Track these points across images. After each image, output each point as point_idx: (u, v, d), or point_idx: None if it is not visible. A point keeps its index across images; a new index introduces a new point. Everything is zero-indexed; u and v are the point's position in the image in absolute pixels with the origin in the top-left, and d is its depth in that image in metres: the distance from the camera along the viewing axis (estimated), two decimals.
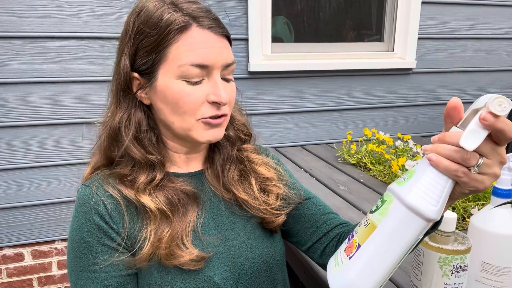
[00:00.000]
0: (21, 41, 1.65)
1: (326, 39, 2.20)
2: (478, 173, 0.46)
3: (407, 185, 0.47)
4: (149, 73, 0.65)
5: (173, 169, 0.72)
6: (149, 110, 0.69)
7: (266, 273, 0.73)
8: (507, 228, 0.71)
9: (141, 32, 0.63)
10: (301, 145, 2.13)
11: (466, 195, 0.50)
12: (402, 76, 2.26)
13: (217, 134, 0.68)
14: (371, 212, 0.52)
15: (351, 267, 0.50)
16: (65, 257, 1.93)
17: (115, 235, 0.63)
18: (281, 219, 0.75)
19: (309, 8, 2.17)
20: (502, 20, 2.32)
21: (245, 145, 0.79)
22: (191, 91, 0.63)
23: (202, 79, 0.64)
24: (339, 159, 1.80)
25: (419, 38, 2.21)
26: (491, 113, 0.42)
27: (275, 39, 2.07)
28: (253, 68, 1.94)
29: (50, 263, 1.92)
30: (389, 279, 0.89)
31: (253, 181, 0.75)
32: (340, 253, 0.55)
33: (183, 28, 0.61)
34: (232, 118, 0.77)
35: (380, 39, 2.29)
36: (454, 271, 0.63)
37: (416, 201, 0.46)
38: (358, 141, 1.91)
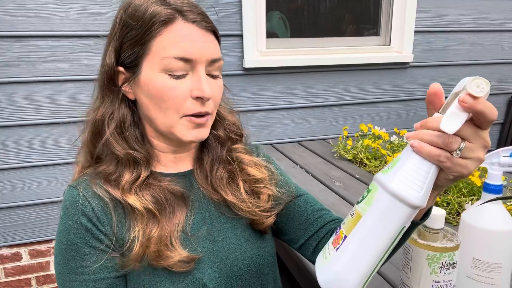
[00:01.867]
0: (14, 41, 1.64)
1: (322, 34, 2.19)
2: (461, 157, 0.45)
3: (391, 172, 0.47)
4: (133, 66, 0.64)
5: (160, 169, 0.71)
6: (134, 105, 0.68)
7: (256, 274, 0.72)
8: (498, 224, 0.71)
9: (126, 25, 0.63)
10: (297, 141, 2.12)
11: (452, 182, 0.48)
12: (399, 70, 2.25)
13: (200, 134, 0.66)
14: (358, 203, 0.51)
15: (338, 258, 0.50)
16: None
17: (102, 236, 0.62)
18: (271, 220, 0.74)
19: (304, 3, 2.16)
20: (498, 12, 2.30)
21: (235, 146, 0.77)
22: (175, 85, 0.62)
23: (186, 74, 0.63)
24: (335, 155, 1.79)
25: (415, 32, 2.19)
26: (469, 94, 0.41)
27: (270, 34, 2.06)
28: (248, 64, 1.93)
29: (48, 262, 1.92)
30: (381, 276, 0.88)
31: (241, 184, 0.73)
32: (328, 246, 0.54)
33: (167, 21, 0.61)
34: (222, 118, 0.76)
35: (376, 33, 2.27)
36: (442, 269, 0.63)
37: (400, 187, 0.45)
38: (354, 136, 1.90)
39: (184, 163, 0.74)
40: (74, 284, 0.62)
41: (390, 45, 2.23)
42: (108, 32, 0.68)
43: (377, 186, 0.48)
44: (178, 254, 0.63)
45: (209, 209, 0.72)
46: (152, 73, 0.62)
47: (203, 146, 0.76)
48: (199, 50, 0.62)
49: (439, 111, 0.47)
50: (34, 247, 1.88)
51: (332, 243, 0.53)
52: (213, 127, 0.74)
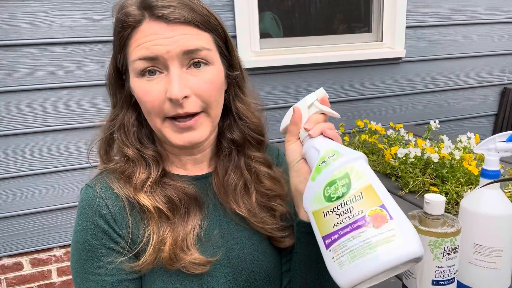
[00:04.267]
0: (7, 50, 1.64)
1: (315, 32, 2.20)
2: None
3: (345, 151, 0.55)
4: (125, 71, 0.64)
5: (177, 171, 0.69)
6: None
7: (270, 286, 0.70)
8: (497, 208, 0.71)
9: (113, 33, 0.64)
10: None
11: None
12: (392, 65, 2.27)
13: (190, 137, 0.62)
14: (344, 194, 0.49)
15: (402, 223, 0.48)
16: (64, 264, 1.93)
17: (119, 238, 0.62)
18: (293, 241, 0.69)
19: (296, 2, 2.17)
20: (488, 5, 2.33)
21: (255, 153, 0.71)
22: (149, 89, 0.59)
23: (160, 73, 0.59)
24: None
25: (407, 27, 2.22)
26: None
27: (264, 35, 2.07)
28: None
29: (49, 271, 1.91)
30: None
31: (253, 197, 0.69)
32: (374, 238, 0.46)
33: (135, 24, 0.59)
34: (239, 115, 0.69)
35: (368, 30, 2.29)
36: (445, 254, 0.64)
37: (355, 151, 0.56)
38: (350, 132, 1.91)
39: (199, 166, 0.71)
40: (91, 284, 0.62)
41: (382, 41, 2.25)
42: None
43: (349, 165, 0.52)
44: (191, 254, 0.61)
45: (225, 216, 0.69)
46: (132, 79, 0.62)
47: (218, 150, 0.72)
48: (164, 46, 0.57)
49: (302, 124, 0.62)
50: (35, 256, 1.87)
51: (376, 228, 0.46)
52: (229, 128, 0.70)
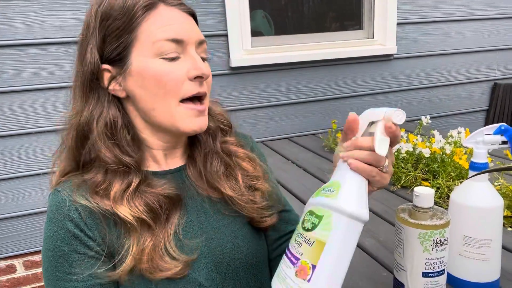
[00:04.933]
0: None
1: (306, 30, 2.21)
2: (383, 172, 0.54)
3: (340, 196, 0.52)
4: (121, 59, 0.62)
5: (152, 167, 0.68)
6: (122, 106, 0.65)
7: (253, 272, 0.71)
8: (486, 201, 0.72)
9: (107, 18, 0.61)
10: (288, 138, 2.13)
11: (371, 193, 0.56)
12: (383, 62, 2.28)
13: (203, 122, 0.65)
14: (308, 230, 0.53)
15: None
16: None
17: (91, 242, 0.60)
18: (274, 219, 0.72)
19: (287, 0, 2.17)
20: (478, 1, 2.34)
21: (227, 138, 0.75)
22: (171, 69, 0.61)
23: (179, 57, 0.62)
24: (325, 149, 1.81)
25: (398, 24, 2.23)
26: (394, 123, 0.51)
27: (255, 33, 2.07)
28: (234, 63, 1.94)
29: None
30: (375, 259, 0.90)
31: (239, 177, 0.71)
32: (291, 280, 0.52)
33: (150, 6, 0.61)
34: (209, 109, 0.73)
35: (360, 27, 2.30)
36: (434, 246, 0.64)
37: (355, 208, 0.51)
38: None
39: (174, 160, 0.71)
40: None
41: (373, 38, 2.26)
42: (80, 35, 0.65)
43: (329, 211, 0.52)
44: (174, 265, 0.60)
45: (203, 206, 0.69)
46: (144, 60, 0.61)
47: (192, 142, 0.73)
48: (187, 31, 0.62)
49: (356, 135, 0.56)
50: (28, 258, 1.86)
51: (296, 275, 0.52)
52: None
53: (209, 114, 0.71)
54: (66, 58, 1.71)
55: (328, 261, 0.51)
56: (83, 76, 0.63)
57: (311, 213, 0.54)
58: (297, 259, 0.53)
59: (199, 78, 0.63)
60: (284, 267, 0.55)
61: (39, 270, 1.89)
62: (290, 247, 0.56)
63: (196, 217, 0.68)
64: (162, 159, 0.70)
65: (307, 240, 0.52)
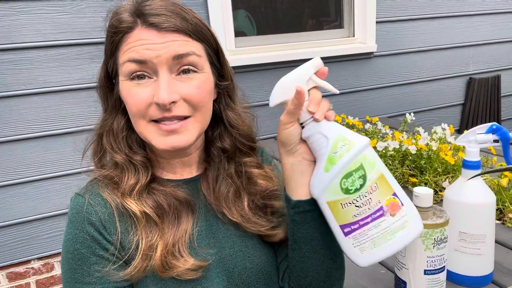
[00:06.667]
0: None
1: (289, 29, 2.22)
2: None
3: (351, 140, 0.54)
4: (115, 76, 0.65)
5: (166, 175, 0.69)
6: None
7: (264, 281, 0.70)
8: (480, 197, 0.75)
9: (106, 36, 0.64)
10: (274, 137, 2.14)
11: None
12: (364, 60, 2.32)
13: (174, 142, 0.61)
14: (362, 185, 0.52)
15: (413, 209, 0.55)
16: (43, 276, 1.86)
17: (109, 245, 0.62)
18: (282, 235, 0.71)
19: (268, 0, 2.18)
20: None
21: (246, 159, 0.71)
22: (136, 92, 0.60)
23: (150, 78, 0.60)
24: None
25: (377, 22, 2.27)
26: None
27: (238, 33, 2.06)
28: None
29: (28, 284, 1.85)
30: None
31: (245, 201, 0.69)
32: (393, 224, 0.52)
33: (128, 30, 0.60)
34: (231, 124, 0.70)
35: (340, 25, 2.33)
36: (435, 244, 0.66)
37: (363, 137, 0.55)
38: None
39: (189, 169, 0.71)
40: None
41: (354, 36, 2.30)
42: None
43: (359, 156, 0.53)
44: (184, 262, 0.61)
45: (214, 215, 0.69)
46: (121, 82, 0.62)
47: (208, 154, 0.72)
48: (154, 51, 0.58)
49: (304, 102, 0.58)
50: (11, 269, 1.80)
51: (393, 216, 0.52)
52: (219, 137, 0.71)
53: (228, 132, 0.70)
54: (46, 63, 1.66)
55: (392, 179, 0.54)
56: (98, 86, 0.68)
57: (348, 176, 0.53)
58: (379, 208, 0.52)
59: (162, 105, 0.59)
60: (376, 231, 0.53)
61: (24, 281, 1.83)
62: (361, 218, 0.53)
63: (208, 226, 0.69)
64: (175, 168, 0.70)
65: (371, 189, 0.52)
